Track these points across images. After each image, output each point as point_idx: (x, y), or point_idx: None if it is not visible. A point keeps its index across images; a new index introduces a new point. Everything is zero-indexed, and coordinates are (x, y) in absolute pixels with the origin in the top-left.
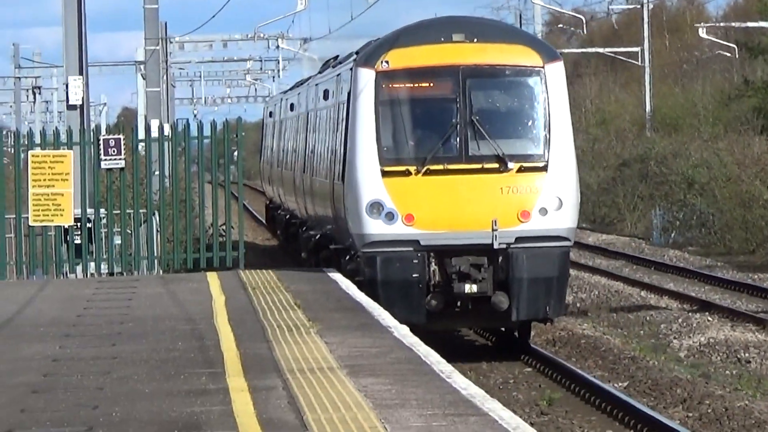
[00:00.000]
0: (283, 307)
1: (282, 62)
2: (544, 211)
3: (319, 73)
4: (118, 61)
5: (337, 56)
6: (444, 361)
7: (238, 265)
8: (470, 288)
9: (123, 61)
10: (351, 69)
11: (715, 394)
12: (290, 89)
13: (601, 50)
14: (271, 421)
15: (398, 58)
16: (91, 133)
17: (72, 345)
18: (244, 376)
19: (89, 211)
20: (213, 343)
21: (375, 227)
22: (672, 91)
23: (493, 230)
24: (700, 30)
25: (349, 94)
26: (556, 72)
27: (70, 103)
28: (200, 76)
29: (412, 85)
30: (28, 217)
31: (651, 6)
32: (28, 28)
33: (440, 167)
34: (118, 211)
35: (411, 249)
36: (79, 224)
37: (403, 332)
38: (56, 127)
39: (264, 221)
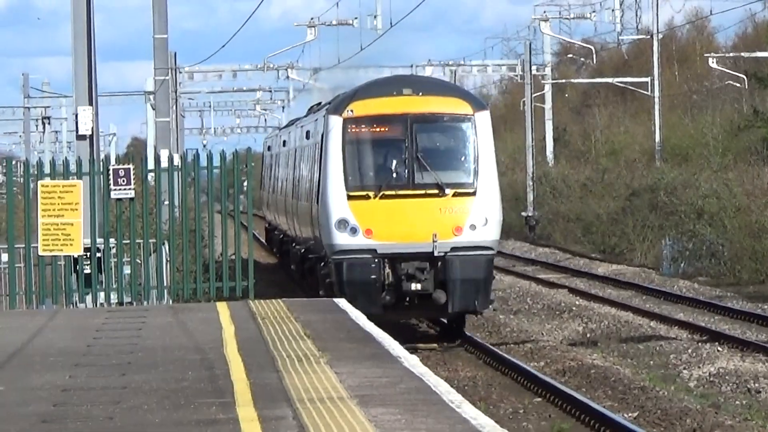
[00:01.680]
0: (293, 337)
1: (292, 92)
2: (473, 227)
3: (305, 116)
4: (128, 91)
5: (320, 102)
6: (454, 391)
7: (248, 295)
8: (416, 286)
9: (132, 91)
10: (324, 116)
11: (725, 425)
12: (284, 127)
13: (610, 80)
14: None
15: (360, 108)
16: (101, 163)
17: (82, 375)
18: (254, 406)
19: (99, 240)
20: (223, 373)
21: (342, 239)
22: (682, 122)
23: (433, 242)
24: (709, 60)
25: (322, 135)
26: (484, 119)
27: (80, 133)
28: (210, 106)
29: (371, 128)
30: (37, 247)
31: (661, 36)
32: (37, 57)
33: (393, 192)
34: (128, 241)
35: (370, 256)
36: (88, 254)
37: (412, 362)
38: (66, 157)
39: (264, 242)
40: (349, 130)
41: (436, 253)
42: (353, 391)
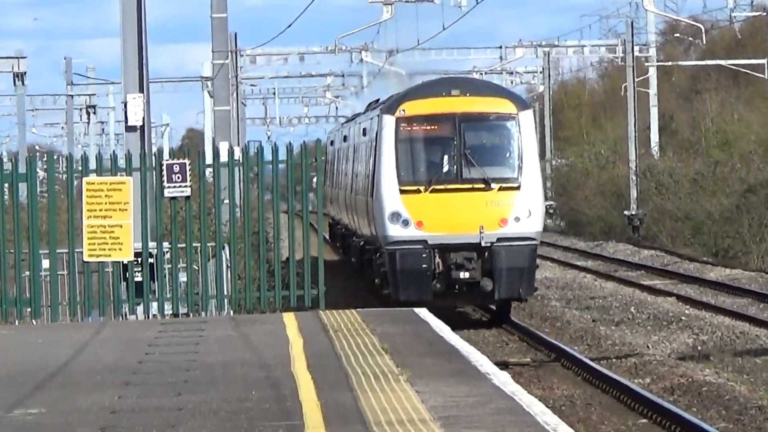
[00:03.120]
0: (369, 352)
1: (366, 77)
2: (517, 219)
3: (364, 112)
4: (183, 77)
5: (378, 99)
6: (549, 411)
7: (318, 305)
8: (464, 275)
9: (188, 77)
10: (378, 115)
11: None
12: (346, 122)
13: (722, 63)
14: None
15: (412, 108)
16: (153, 158)
17: (133, 395)
18: (325, 429)
19: (151, 244)
20: (290, 392)
21: (395, 231)
22: None
23: (480, 233)
24: None
25: (376, 132)
26: (527, 117)
27: (129, 123)
28: (274, 94)
29: (422, 127)
30: (82, 252)
31: None
32: (81, 40)
33: (442, 187)
34: (184, 245)
35: (421, 246)
36: (139, 260)
37: (503, 379)
38: (114, 151)
39: (328, 237)
40: (401, 129)
41: (483, 244)
42: (436, 413)
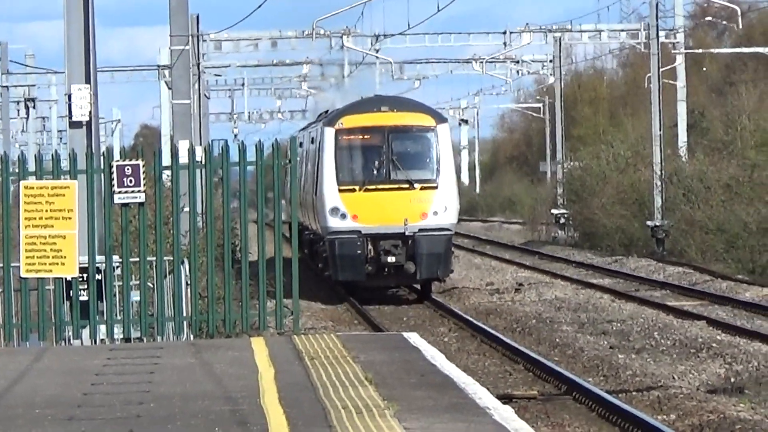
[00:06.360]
0: (350, 383)
1: (347, 66)
2: (435, 213)
3: (315, 121)
4: (136, 66)
5: (327, 110)
6: None
7: (292, 329)
8: (392, 259)
9: (142, 65)
10: (321, 127)
11: None
12: (303, 128)
13: (761, 50)
14: None
15: (349, 121)
16: (101, 159)
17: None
18: None
19: (99, 258)
20: (259, 429)
21: (334, 223)
22: None
23: (405, 224)
24: None
25: (320, 142)
26: (444, 130)
27: (74, 119)
28: (242, 85)
29: (357, 137)
30: (19, 267)
31: None
32: (17, 22)
33: (374, 187)
34: (137, 259)
35: (356, 236)
36: (85, 276)
37: (505, 415)
38: (56, 151)
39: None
40: (340, 139)
41: (407, 233)
42: None
